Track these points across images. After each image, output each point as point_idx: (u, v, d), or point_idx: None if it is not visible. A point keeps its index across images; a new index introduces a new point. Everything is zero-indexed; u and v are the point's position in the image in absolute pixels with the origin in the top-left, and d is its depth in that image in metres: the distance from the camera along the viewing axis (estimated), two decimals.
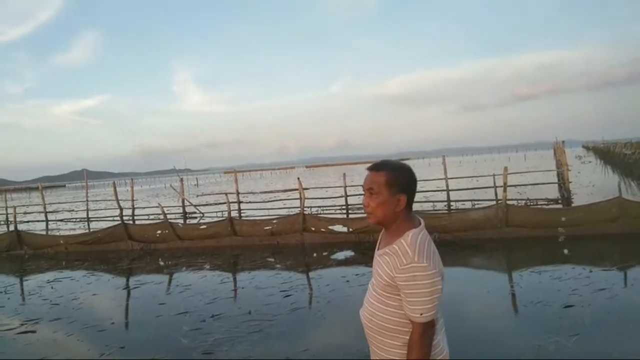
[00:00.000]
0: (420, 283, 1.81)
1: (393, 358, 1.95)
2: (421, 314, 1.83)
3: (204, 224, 13.38)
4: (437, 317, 1.97)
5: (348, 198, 17.32)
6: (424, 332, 1.86)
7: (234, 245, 12.11)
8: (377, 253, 2.05)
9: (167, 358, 5.12)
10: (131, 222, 17.33)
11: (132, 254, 12.28)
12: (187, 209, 20.49)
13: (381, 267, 1.95)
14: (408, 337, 1.91)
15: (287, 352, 5.02)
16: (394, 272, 1.86)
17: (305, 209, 12.78)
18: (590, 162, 42.08)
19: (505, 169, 11.64)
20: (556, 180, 18.13)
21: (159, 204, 15.59)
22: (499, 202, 11.70)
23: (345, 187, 17.31)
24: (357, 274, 8.31)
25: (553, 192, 17.06)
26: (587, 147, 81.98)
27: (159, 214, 16.88)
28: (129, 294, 8.58)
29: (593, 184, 20.87)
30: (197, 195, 30.25)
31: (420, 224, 1.96)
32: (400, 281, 1.85)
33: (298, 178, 15.18)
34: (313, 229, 11.88)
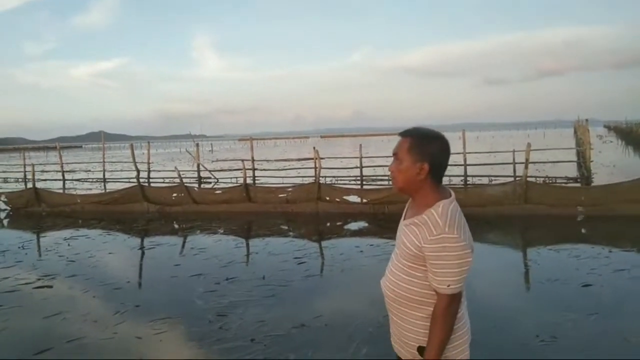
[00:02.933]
0: (449, 254, 1.76)
1: (414, 329, 1.91)
2: (448, 285, 1.78)
3: (219, 189, 13.41)
4: (461, 290, 1.91)
5: (363, 169, 17.20)
6: (450, 304, 1.81)
7: (248, 211, 12.13)
8: (402, 223, 1.99)
9: (182, 318, 5.17)
10: (147, 184, 17.44)
11: (148, 216, 12.40)
12: (202, 174, 20.56)
13: (407, 237, 1.89)
14: (431, 309, 1.86)
15: (300, 317, 5.02)
16: (422, 243, 1.81)
17: (320, 178, 12.71)
18: (611, 142, 41.21)
19: (528, 145, 11.40)
20: (576, 159, 17.76)
21: (175, 167, 15.61)
22: (518, 178, 11.49)
23: (360, 158, 17.17)
24: (371, 245, 8.28)
25: (572, 171, 16.75)
26: (608, 127, 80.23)
27: (175, 178, 16.94)
28: (144, 254, 8.68)
29: (614, 164, 20.44)
30: (212, 161, 30.35)
31: (450, 195, 1.90)
32: (428, 252, 1.79)
33: (314, 147, 15.07)
34: (328, 198, 11.83)
